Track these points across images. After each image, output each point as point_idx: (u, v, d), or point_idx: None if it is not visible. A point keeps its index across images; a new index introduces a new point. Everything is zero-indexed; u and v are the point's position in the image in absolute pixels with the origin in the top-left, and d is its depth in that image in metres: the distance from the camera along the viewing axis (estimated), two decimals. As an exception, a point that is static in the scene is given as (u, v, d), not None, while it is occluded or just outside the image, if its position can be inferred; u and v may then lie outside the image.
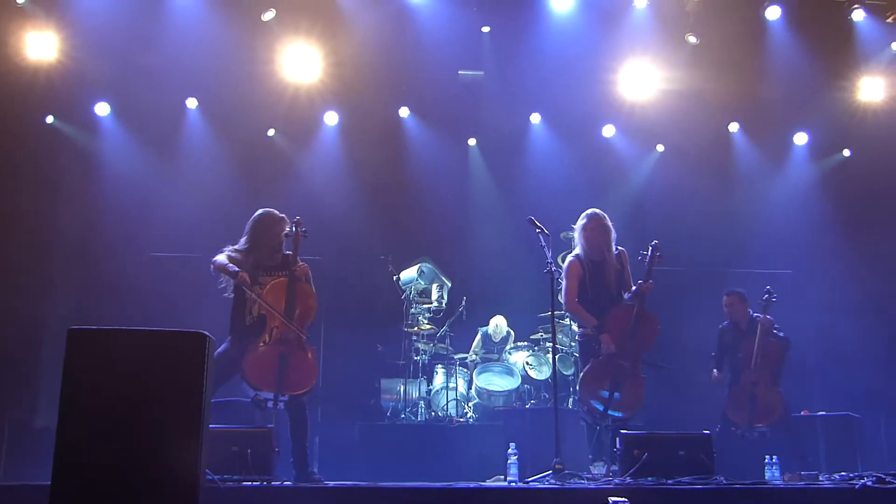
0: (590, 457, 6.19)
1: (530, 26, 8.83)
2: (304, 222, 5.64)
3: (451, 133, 9.67)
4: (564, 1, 8.66)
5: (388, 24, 8.61)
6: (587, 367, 6.18)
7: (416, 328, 8.37)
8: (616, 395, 6.02)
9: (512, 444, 5.82)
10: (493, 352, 8.53)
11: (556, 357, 6.47)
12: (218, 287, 5.62)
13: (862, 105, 9.33)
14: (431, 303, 8.57)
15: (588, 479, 5.51)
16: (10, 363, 7.74)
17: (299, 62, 8.77)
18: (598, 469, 5.98)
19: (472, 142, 9.98)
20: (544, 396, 8.06)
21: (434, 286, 8.64)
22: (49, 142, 8.72)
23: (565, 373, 8.00)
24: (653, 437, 5.57)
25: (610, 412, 6.03)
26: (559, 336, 8.04)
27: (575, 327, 7.42)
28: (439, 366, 8.44)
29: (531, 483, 5.40)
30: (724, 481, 5.13)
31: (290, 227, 5.63)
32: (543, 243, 5.98)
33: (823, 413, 7.74)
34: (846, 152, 9.93)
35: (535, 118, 9.79)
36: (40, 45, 8.17)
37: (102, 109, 8.95)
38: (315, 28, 8.61)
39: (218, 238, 5.83)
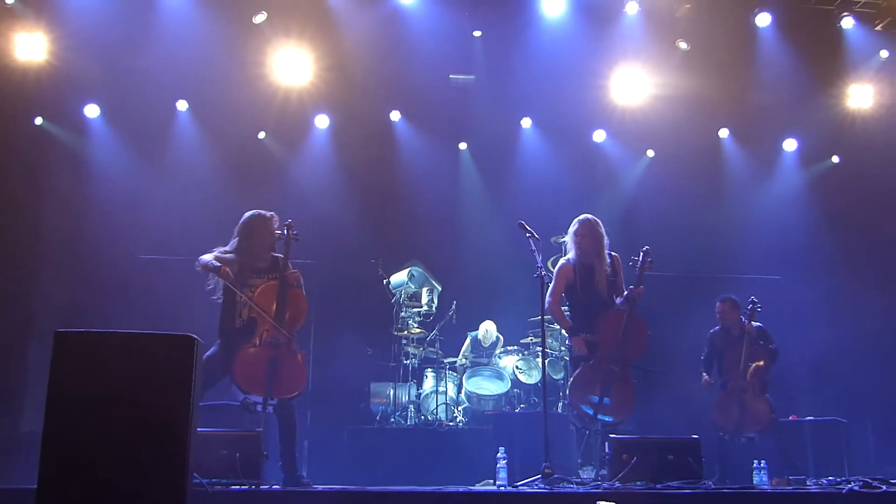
0: (579, 461, 6.21)
1: (522, 31, 8.86)
2: (295, 225, 5.63)
3: (442, 137, 9.67)
4: (556, 6, 8.69)
5: (380, 28, 8.63)
6: (577, 371, 6.20)
7: (405, 332, 8.35)
8: (606, 399, 6.03)
9: (501, 449, 5.82)
10: (483, 356, 8.52)
11: (546, 361, 6.48)
12: (206, 289, 5.59)
13: (851, 112, 9.42)
14: (421, 306, 8.56)
15: (577, 483, 5.51)
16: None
17: (290, 65, 8.77)
18: (587, 473, 6.00)
19: (462, 146, 9.98)
20: (534, 400, 8.05)
21: (424, 290, 8.63)
22: (38, 143, 8.67)
23: (555, 377, 8.00)
24: (642, 441, 5.59)
25: (599, 416, 6.05)
26: (549, 340, 8.04)
27: (564, 332, 7.42)
28: (429, 370, 8.42)
29: (520, 487, 5.40)
30: (712, 486, 5.14)
31: (283, 230, 5.62)
32: (533, 248, 6.00)
33: (811, 418, 7.80)
34: (835, 159, 9.99)
35: (527, 122, 9.81)
36: (29, 46, 8.14)
37: (92, 111, 8.91)
38: (306, 31, 8.61)
39: (207, 240, 5.80)
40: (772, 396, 6.97)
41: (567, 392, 6.41)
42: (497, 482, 5.69)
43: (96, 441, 3.62)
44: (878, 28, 8.98)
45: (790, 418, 7.73)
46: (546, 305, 6.23)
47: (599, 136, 9.90)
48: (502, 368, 8.30)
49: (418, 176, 9.51)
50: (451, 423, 7.94)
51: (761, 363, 6.91)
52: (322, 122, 9.49)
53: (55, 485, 3.56)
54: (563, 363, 7.98)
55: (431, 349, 8.50)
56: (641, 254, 6.22)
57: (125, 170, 8.82)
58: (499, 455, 5.77)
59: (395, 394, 8.14)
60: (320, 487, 5.23)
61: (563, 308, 6.60)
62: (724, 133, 9.93)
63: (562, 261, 6.50)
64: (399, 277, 8.62)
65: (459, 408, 8.23)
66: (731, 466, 6.71)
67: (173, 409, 3.75)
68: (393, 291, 8.60)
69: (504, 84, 9.24)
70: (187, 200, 8.71)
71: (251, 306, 5.41)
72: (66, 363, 3.71)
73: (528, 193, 9.35)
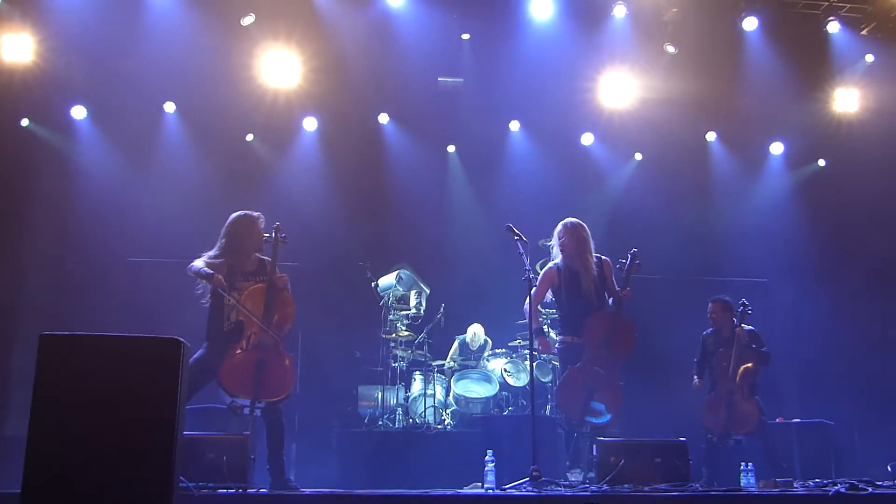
0: (567, 464, 6.20)
1: (510, 34, 8.87)
2: (283, 228, 5.61)
3: (431, 140, 9.67)
4: (544, 9, 8.71)
5: (368, 30, 8.62)
6: (565, 374, 6.21)
7: (394, 335, 8.34)
8: (593, 402, 6.04)
9: (489, 451, 5.81)
10: (471, 359, 8.52)
11: (534, 364, 6.48)
12: (195, 293, 5.57)
13: (837, 116, 9.47)
14: (410, 309, 8.55)
15: (565, 486, 5.51)
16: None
17: (279, 67, 8.75)
18: (575, 476, 5.99)
19: (451, 149, 9.99)
20: (522, 403, 8.06)
21: (412, 293, 8.62)
22: (24, 145, 8.61)
23: (543, 380, 8.00)
24: (630, 444, 5.59)
25: (587, 419, 6.05)
26: (537, 343, 8.03)
27: (554, 335, 7.43)
28: (417, 373, 8.42)
29: (508, 490, 5.40)
30: (700, 488, 5.16)
31: (271, 233, 5.60)
32: (521, 251, 5.99)
33: (798, 420, 7.83)
34: (821, 162, 10.06)
35: (515, 125, 9.83)
36: (16, 47, 8.08)
37: (79, 113, 8.86)
38: (294, 33, 8.59)
39: (195, 243, 5.78)
40: (761, 399, 6.99)
41: (555, 395, 6.40)
42: (485, 485, 5.68)
43: (81, 445, 3.59)
44: (864, 32, 9.04)
45: (777, 420, 7.76)
46: (525, 306, 6.21)
47: (587, 139, 9.93)
48: (490, 371, 8.30)
49: (406, 178, 9.51)
50: (439, 426, 7.94)
51: (749, 365, 6.93)
52: (310, 124, 9.48)
53: (40, 490, 3.53)
54: (551, 366, 7.99)
55: (420, 352, 8.49)
56: (629, 256, 6.25)
57: (112, 172, 8.77)
58: (487, 458, 5.75)
59: (383, 397, 8.13)
60: (308, 491, 5.21)
61: (551, 310, 6.60)
62: (711, 136, 9.98)
63: (549, 265, 6.51)
64: (387, 280, 8.61)
65: (447, 411, 8.22)
66: (718, 469, 6.73)
67: (160, 413, 3.73)
68: (381, 294, 8.58)
69: (492, 87, 9.25)
70: (175, 203, 8.67)
71: (239, 309, 5.39)
72: (52, 366, 3.68)
73: (517, 196, 9.37)
